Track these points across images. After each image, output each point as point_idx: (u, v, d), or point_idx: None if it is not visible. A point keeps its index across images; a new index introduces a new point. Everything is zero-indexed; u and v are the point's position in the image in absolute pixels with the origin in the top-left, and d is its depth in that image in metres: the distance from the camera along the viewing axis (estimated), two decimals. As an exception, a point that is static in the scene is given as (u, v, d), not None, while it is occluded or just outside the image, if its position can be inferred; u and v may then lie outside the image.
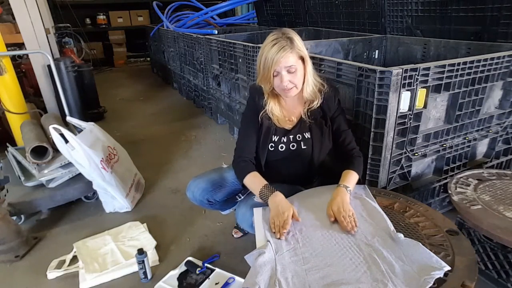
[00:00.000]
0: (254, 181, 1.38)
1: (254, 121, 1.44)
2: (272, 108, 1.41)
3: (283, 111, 1.45)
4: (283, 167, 1.49)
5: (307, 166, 1.48)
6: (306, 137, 1.44)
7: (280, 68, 1.27)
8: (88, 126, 2.20)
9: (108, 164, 2.05)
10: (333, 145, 1.47)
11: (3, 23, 3.28)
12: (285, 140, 1.45)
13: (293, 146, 1.45)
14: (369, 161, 1.58)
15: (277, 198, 1.28)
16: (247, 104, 1.51)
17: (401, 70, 1.39)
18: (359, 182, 1.40)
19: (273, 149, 1.45)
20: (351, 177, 1.35)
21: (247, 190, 1.61)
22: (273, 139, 1.45)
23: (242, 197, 1.63)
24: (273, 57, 1.25)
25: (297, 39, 1.29)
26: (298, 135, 1.44)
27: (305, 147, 1.44)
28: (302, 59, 1.31)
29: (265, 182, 1.36)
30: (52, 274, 1.63)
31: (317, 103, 1.40)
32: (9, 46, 3.03)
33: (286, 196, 1.38)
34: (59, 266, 1.67)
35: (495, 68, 1.67)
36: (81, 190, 2.11)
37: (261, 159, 1.46)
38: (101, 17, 7.08)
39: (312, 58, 1.81)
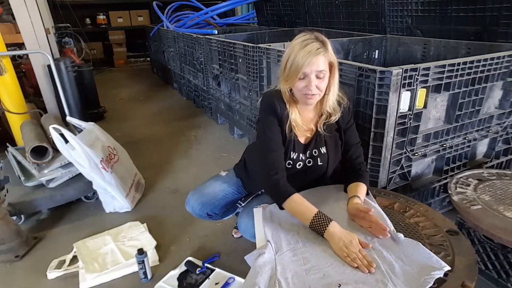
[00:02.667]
0: (301, 208, 1.20)
1: (279, 132, 1.31)
2: (296, 117, 1.30)
3: (302, 119, 1.36)
4: (295, 179, 1.40)
5: (320, 180, 1.44)
6: (322, 152, 1.37)
7: (311, 71, 1.17)
8: (88, 126, 2.20)
9: (108, 164, 2.05)
10: (342, 156, 1.42)
11: (3, 23, 3.28)
12: (303, 158, 1.37)
13: (309, 162, 1.39)
14: (369, 161, 1.58)
15: (336, 229, 1.11)
16: (267, 114, 1.31)
17: (401, 70, 1.39)
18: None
19: (290, 166, 1.37)
20: (363, 189, 1.29)
21: (248, 197, 1.59)
22: (292, 156, 1.36)
23: (243, 204, 1.59)
24: (305, 58, 1.15)
25: (329, 45, 1.20)
26: (315, 150, 1.37)
27: (321, 163, 1.38)
28: (331, 66, 1.23)
29: (315, 209, 1.17)
30: (52, 274, 1.63)
31: (336, 118, 1.32)
32: (9, 46, 3.03)
33: None
34: (59, 266, 1.67)
35: (495, 68, 1.67)
36: (81, 190, 2.12)
37: None
38: (101, 17, 7.09)
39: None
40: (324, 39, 1.21)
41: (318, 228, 1.14)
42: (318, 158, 1.37)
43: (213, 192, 1.54)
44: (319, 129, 1.34)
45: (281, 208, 1.26)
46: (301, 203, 1.21)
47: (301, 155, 1.36)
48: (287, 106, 1.29)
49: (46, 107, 3.19)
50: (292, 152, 1.35)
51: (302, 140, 1.36)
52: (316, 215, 1.15)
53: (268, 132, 1.30)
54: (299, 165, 1.37)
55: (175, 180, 2.50)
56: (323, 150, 1.37)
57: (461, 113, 1.68)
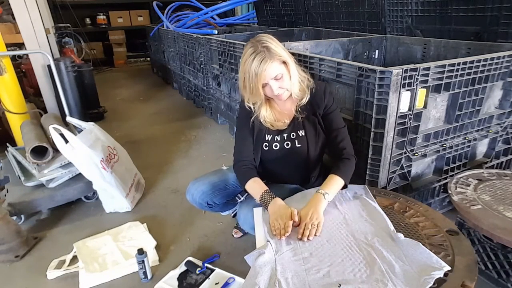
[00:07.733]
0: (255, 186, 1.37)
1: (247, 123, 1.45)
2: (264, 115, 1.42)
3: (276, 114, 1.46)
4: (280, 166, 1.49)
5: (304, 165, 1.47)
6: (300, 135, 1.43)
7: (267, 80, 1.28)
8: (88, 126, 2.20)
9: (108, 164, 2.05)
10: (327, 143, 1.46)
11: (3, 23, 3.29)
12: (278, 139, 1.44)
13: (287, 144, 1.44)
14: (369, 161, 1.58)
15: (277, 203, 1.28)
16: (240, 107, 1.51)
17: (401, 70, 1.39)
18: (347, 186, 1.38)
19: (267, 148, 1.45)
20: (334, 183, 1.30)
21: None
22: (267, 138, 1.45)
23: (242, 198, 1.62)
24: (256, 72, 1.25)
25: (273, 45, 1.27)
26: (292, 133, 1.44)
27: (299, 145, 1.43)
28: (285, 63, 1.30)
29: (266, 187, 1.35)
30: (52, 274, 1.63)
31: (306, 98, 1.40)
32: (9, 46, 3.04)
33: (287, 197, 1.38)
34: (59, 266, 1.67)
35: (495, 68, 1.67)
36: (81, 190, 2.11)
37: (256, 159, 1.47)
38: (101, 17, 7.09)
39: (312, 58, 1.82)
40: (267, 44, 1.26)
41: (264, 202, 1.31)
42: (296, 141, 1.44)
43: (214, 182, 1.56)
44: (295, 114, 1.42)
45: (245, 190, 1.42)
46: (256, 184, 1.38)
47: (276, 137, 1.45)
48: (258, 104, 1.41)
49: (46, 107, 3.20)
50: (267, 135, 1.45)
51: (279, 126, 1.45)
52: (265, 191, 1.33)
53: (238, 122, 1.51)
54: (276, 146, 1.45)
55: (175, 180, 2.50)
56: (301, 133, 1.44)
57: (461, 113, 1.68)
